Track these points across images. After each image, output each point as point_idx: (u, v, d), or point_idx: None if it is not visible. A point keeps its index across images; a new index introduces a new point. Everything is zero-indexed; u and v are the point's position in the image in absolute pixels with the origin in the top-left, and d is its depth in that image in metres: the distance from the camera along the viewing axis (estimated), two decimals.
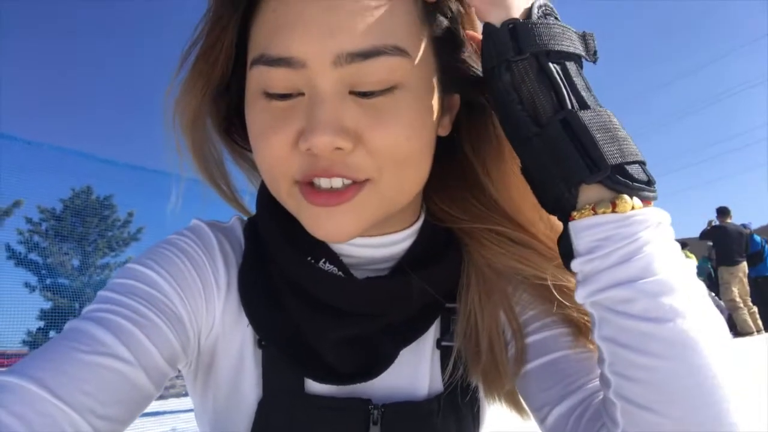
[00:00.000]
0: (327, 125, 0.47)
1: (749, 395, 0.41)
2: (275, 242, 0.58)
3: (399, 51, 0.48)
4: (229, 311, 0.59)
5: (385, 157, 0.49)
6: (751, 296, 8.08)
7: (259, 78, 0.51)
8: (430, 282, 0.58)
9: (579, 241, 0.45)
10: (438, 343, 0.63)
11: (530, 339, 0.59)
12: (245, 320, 0.58)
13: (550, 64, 0.47)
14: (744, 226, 9.38)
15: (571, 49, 0.48)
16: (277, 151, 0.50)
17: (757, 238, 8.98)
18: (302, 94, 0.50)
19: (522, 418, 0.62)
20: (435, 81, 0.53)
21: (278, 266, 0.58)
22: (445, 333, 0.63)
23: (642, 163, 0.46)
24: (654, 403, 0.41)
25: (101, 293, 0.53)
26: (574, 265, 0.46)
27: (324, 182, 0.50)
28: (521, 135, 0.47)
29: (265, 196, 0.61)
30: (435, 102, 0.54)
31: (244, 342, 0.59)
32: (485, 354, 0.59)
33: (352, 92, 0.49)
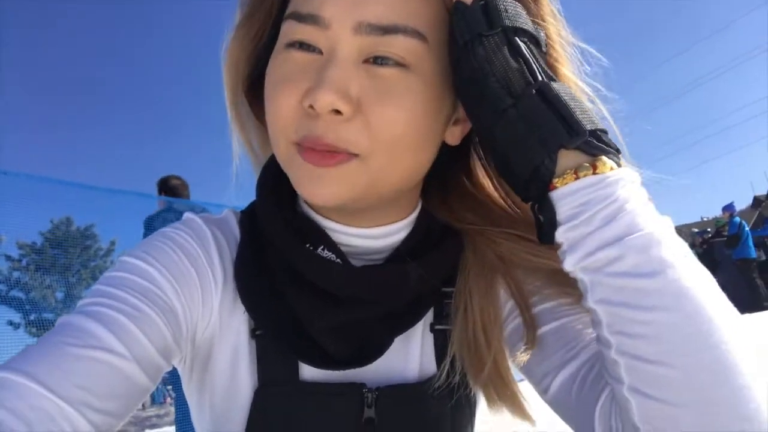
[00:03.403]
0: (332, 84, 0.49)
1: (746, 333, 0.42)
2: (274, 227, 0.58)
3: (418, 35, 0.51)
4: (225, 304, 0.59)
5: (379, 135, 0.50)
6: (733, 279, 8.19)
7: (286, 32, 0.54)
8: (426, 269, 0.58)
9: (561, 209, 0.46)
10: (432, 327, 0.63)
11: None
12: (240, 311, 0.59)
13: (518, 40, 0.48)
14: (727, 207, 9.54)
15: (533, 31, 0.50)
16: (283, 107, 0.52)
17: (736, 220, 9.12)
18: (321, 53, 0.52)
19: (531, 424, 0.61)
20: (450, 80, 0.54)
21: (276, 252, 0.58)
22: (438, 316, 0.63)
23: (606, 133, 0.48)
24: (657, 355, 0.41)
25: (95, 287, 0.52)
26: (559, 234, 0.46)
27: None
28: (497, 108, 0.48)
29: (266, 181, 0.62)
30: (445, 100, 0.55)
31: (239, 334, 0.59)
32: (488, 366, 0.58)
33: (366, 61, 0.51)
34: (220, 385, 0.59)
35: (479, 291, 0.60)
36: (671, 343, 0.41)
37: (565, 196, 0.46)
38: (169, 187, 3.97)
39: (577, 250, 0.45)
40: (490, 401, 0.61)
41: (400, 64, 0.51)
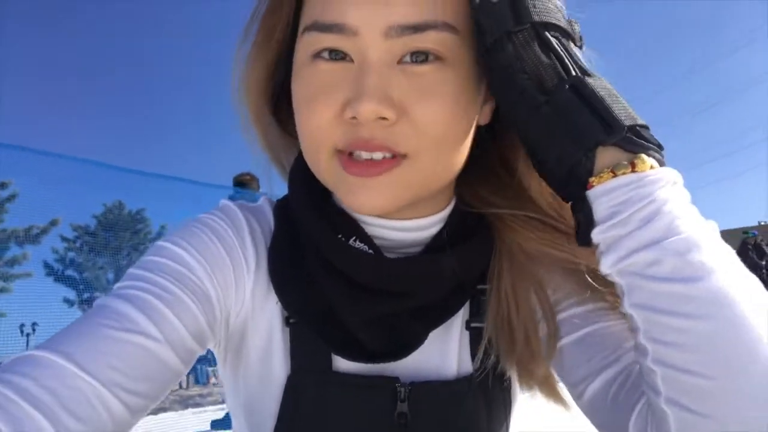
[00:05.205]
0: (374, 93, 0.47)
1: None
2: (307, 218, 0.58)
3: (450, 28, 0.49)
4: (258, 291, 0.59)
5: (427, 132, 0.49)
6: None
7: (309, 45, 0.52)
8: (461, 262, 0.57)
9: (598, 208, 0.44)
10: (467, 324, 0.62)
11: (561, 315, 0.59)
12: (273, 299, 0.59)
13: (548, 35, 0.47)
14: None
15: (565, 26, 0.48)
16: (322, 120, 0.51)
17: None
18: (351, 61, 0.50)
19: (565, 408, 0.60)
20: (479, 64, 0.53)
21: (310, 243, 0.58)
22: (475, 314, 0.62)
23: (647, 128, 0.46)
24: (694, 365, 0.39)
25: (131, 271, 0.54)
26: (595, 234, 0.45)
27: (365, 155, 0.50)
28: (530, 105, 0.47)
29: (298, 173, 0.61)
30: (479, 85, 0.54)
31: (273, 321, 0.59)
32: (520, 344, 0.58)
33: (400, 62, 0.50)
34: (253, 370, 0.60)
35: (514, 291, 0.59)
36: (709, 354, 0.39)
37: (602, 194, 0.44)
38: (237, 183, 4.62)
39: (613, 252, 0.44)
40: (524, 381, 0.60)
41: (435, 59, 0.50)
